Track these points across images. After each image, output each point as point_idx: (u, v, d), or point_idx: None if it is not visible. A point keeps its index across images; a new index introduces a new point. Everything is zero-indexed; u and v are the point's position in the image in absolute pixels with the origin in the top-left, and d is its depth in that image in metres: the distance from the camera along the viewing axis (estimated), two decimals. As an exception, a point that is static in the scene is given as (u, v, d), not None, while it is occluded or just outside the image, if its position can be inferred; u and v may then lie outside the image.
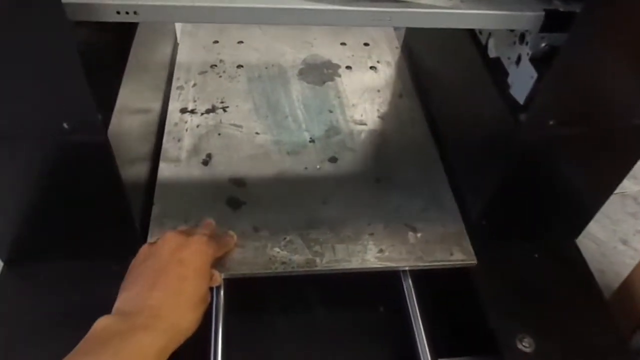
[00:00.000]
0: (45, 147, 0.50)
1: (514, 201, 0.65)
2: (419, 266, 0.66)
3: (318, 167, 0.76)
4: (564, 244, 0.72)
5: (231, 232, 0.65)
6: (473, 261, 0.67)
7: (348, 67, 0.95)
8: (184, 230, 0.63)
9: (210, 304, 0.59)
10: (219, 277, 0.61)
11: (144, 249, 0.58)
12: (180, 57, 0.94)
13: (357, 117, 0.85)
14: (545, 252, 0.70)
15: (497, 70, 0.60)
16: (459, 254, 0.67)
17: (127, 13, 0.44)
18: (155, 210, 0.68)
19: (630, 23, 0.45)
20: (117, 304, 0.53)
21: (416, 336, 0.63)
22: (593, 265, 0.70)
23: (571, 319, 0.64)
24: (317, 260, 0.65)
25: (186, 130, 0.80)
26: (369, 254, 0.66)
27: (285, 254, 0.65)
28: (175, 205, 0.69)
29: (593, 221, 0.70)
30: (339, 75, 0.93)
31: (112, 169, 0.54)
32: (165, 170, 0.73)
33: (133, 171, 0.64)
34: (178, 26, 0.99)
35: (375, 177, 0.76)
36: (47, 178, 0.54)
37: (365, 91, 0.90)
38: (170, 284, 0.53)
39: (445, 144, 0.81)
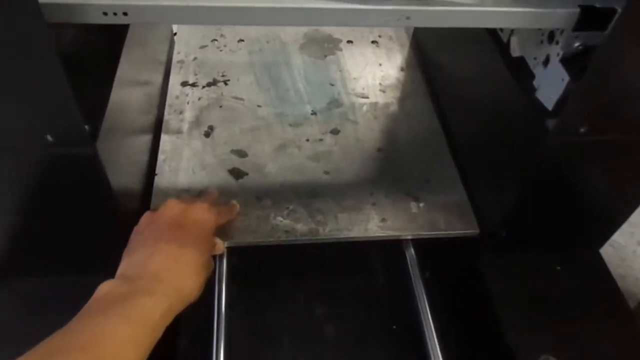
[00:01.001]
0: (28, 161, 0.47)
1: (536, 211, 0.61)
2: (421, 235, 0.67)
3: (320, 138, 0.76)
4: (587, 255, 0.68)
5: (234, 202, 0.65)
6: (475, 230, 0.67)
7: (349, 42, 0.94)
8: (186, 199, 0.63)
9: (213, 272, 0.59)
10: (222, 245, 0.62)
11: (145, 216, 0.58)
12: (181, 31, 0.93)
13: (359, 90, 0.85)
14: (567, 264, 0.66)
15: (520, 71, 0.55)
16: (461, 224, 0.67)
17: (115, 14, 0.40)
18: (157, 180, 0.68)
19: None
20: (120, 270, 0.53)
21: (419, 306, 0.64)
22: (612, 270, 0.67)
23: (597, 336, 0.60)
24: (320, 229, 0.65)
25: (187, 102, 0.79)
26: (372, 223, 0.66)
27: (289, 223, 0.65)
28: (177, 176, 0.69)
29: None
30: (340, 50, 0.92)
31: (102, 181, 0.49)
32: (167, 142, 0.73)
33: (132, 153, 0.63)
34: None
35: (377, 148, 0.76)
36: (32, 192, 0.50)
37: (367, 65, 0.90)
38: (171, 249, 0.53)
39: (457, 144, 0.76)
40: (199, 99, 0.80)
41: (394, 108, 0.82)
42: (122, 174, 0.59)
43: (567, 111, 0.49)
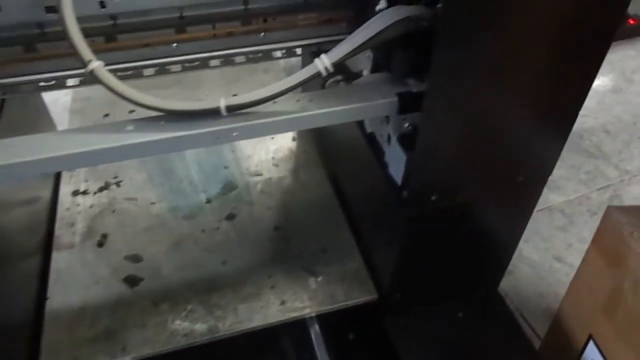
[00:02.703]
0: None
1: (423, 269, 0.64)
2: (321, 311, 0.67)
3: (216, 227, 0.77)
4: (486, 296, 0.71)
5: None
6: (374, 296, 0.68)
7: (242, 119, 0.96)
8: None
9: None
10: None
11: None
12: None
13: (253, 168, 0.86)
14: (468, 309, 0.68)
15: (376, 147, 0.59)
16: (359, 292, 0.69)
17: None
18: (49, 305, 0.66)
19: (477, 95, 0.45)
20: None
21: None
22: (531, 290, 0.69)
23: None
24: (220, 325, 0.65)
25: (79, 212, 0.79)
26: (272, 307, 0.67)
27: (187, 325, 0.65)
28: (70, 296, 0.67)
29: (524, 242, 0.67)
30: (234, 128, 0.94)
31: None
32: (59, 260, 0.72)
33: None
34: (65, 106, 0.98)
35: (274, 227, 0.77)
36: None
37: (259, 140, 0.92)
38: None
39: (350, 210, 0.79)
40: (91, 206, 0.79)
41: (288, 181, 0.84)
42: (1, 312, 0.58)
43: (414, 184, 0.52)
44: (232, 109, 0.44)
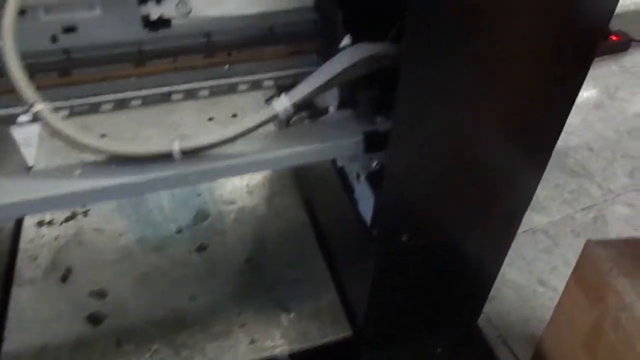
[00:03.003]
0: None
1: (398, 305, 0.61)
2: (294, 350, 0.65)
3: (186, 259, 0.74)
4: (465, 330, 0.69)
5: None
6: (348, 333, 0.66)
7: (217, 142, 0.94)
8: None
9: None
10: None
11: None
12: (38, 162, 0.89)
13: (227, 196, 0.84)
14: (447, 345, 0.67)
15: (347, 183, 0.57)
16: (333, 328, 0.66)
17: None
18: (5, 348, 0.63)
19: (444, 132, 0.43)
20: None
21: None
22: (515, 314, 0.66)
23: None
24: (186, 366, 0.62)
25: (43, 244, 0.75)
26: (241, 347, 0.64)
27: (152, 367, 0.62)
28: (29, 337, 0.64)
29: (508, 265, 0.64)
30: (208, 153, 0.91)
31: None
32: (19, 295, 0.69)
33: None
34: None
35: (245, 258, 0.74)
36: None
37: (234, 166, 0.89)
38: None
39: (324, 239, 0.77)
40: (56, 238, 0.76)
41: (262, 209, 0.82)
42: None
43: (383, 223, 0.50)
44: (187, 153, 0.42)
